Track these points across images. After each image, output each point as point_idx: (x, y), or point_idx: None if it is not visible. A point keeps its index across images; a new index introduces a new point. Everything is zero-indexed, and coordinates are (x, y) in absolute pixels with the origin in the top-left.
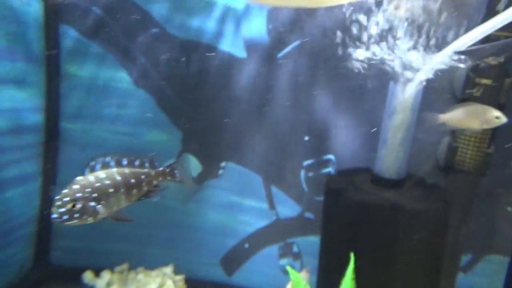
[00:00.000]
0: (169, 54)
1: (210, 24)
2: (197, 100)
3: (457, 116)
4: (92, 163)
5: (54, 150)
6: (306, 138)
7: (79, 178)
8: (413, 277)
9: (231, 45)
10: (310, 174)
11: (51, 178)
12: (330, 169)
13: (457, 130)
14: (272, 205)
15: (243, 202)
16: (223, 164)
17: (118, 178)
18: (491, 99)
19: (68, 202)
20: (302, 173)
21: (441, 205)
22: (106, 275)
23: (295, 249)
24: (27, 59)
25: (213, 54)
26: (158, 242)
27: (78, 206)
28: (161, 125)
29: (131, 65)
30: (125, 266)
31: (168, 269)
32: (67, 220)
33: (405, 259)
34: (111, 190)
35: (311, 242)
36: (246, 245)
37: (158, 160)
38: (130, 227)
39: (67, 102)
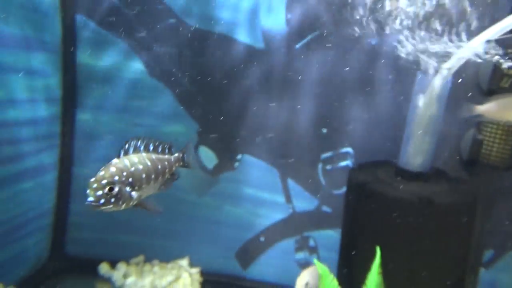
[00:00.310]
0: (186, 44)
1: (227, 14)
2: (214, 91)
3: (494, 108)
4: (126, 146)
5: (70, 142)
6: (324, 130)
7: (115, 160)
8: (439, 272)
9: (249, 35)
10: (328, 167)
11: (67, 170)
12: (348, 162)
13: (482, 123)
14: (288, 198)
15: (259, 195)
16: (239, 156)
17: (149, 164)
18: None
19: (106, 184)
20: (320, 166)
21: (469, 199)
22: (122, 267)
23: (311, 243)
24: (43, 49)
25: (231, 45)
26: (174, 235)
27: (116, 190)
28: (178, 117)
29: (148, 56)
30: (141, 258)
31: (184, 262)
32: (103, 204)
33: (431, 253)
34: (143, 175)
35: (328, 236)
36: (262, 238)
37: (175, 152)
38: (146, 219)
39: (83, 92)
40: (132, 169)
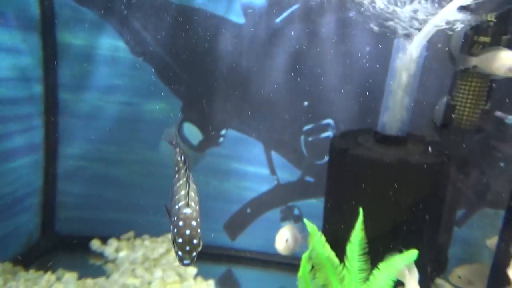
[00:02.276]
0: (167, 21)
1: None
2: (196, 67)
3: (486, 60)
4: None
5: (54, 121)
6: (306, 103)
7: (187, 210)
8: (417, 229)
9: (229, 10)
10: (310, 138)
11: (53, 150)
12: (329, 133)
13: (454, 89)
14: (273, 170)
15: (244, 169)
16: (223, 131)
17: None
18: None
19: (197, 245)
20: (302, 138)
21: (443, 160)
22: (113, 243)
23: (296, 212)
24: (22, 27)
25: (212, 20)
26: (163, 210)
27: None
28: (160, 94)
29: (128, 33)
30: (131, 234)
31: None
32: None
33: (408, 211)
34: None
35: (312, 204)
36: (249, 210)
37: (157, 130)
38: (135, 196)
39: (64, 72)
40: (197, 207)
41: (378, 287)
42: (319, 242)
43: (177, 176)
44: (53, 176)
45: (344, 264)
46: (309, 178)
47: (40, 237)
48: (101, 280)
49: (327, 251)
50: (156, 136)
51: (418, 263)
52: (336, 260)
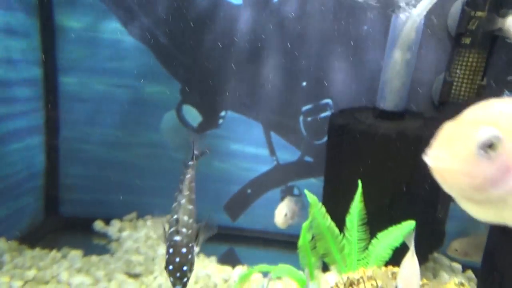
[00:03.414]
0: (164, 2)
1: None
2: (194, 50)
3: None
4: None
5: (54, 105)
6: (304, 83)
7: (178, 238)
8: (414, 202)
9: None
10: (309, 119)
11: (54, 133)
12: (328, 113)
13: (451, 65)
14: (272, 151)
15: (244, 150)
16: (222, 113)
17: (191, 207)
18: (485, 32)
19: (187, 271)
20: (301, 118)
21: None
22: (116, 223)
23: (295, 191)
24: (20, 9)
25: (209, 1)
26: (164, 192)
27: (192, 264)
28: (159, 77)
29: (126, 15)
30: (133, 215)
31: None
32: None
33: (407, 183)
34: (193, 223)
35: (311, 183)
36: (249, 191)
37: (157, 112)
38: (138, 178)
39: (63, 55)
40: (190, 231)
41: (377, 256)
42: (319, 213)
43: (178, 195)
44: (55, 159)
45: (344, 235)
46: (308, 158)
47: (44, 218)
48: (106, 257)
49: (328, 221)
50: (156, 118)
51: (416, 236)
52: (336, 230)
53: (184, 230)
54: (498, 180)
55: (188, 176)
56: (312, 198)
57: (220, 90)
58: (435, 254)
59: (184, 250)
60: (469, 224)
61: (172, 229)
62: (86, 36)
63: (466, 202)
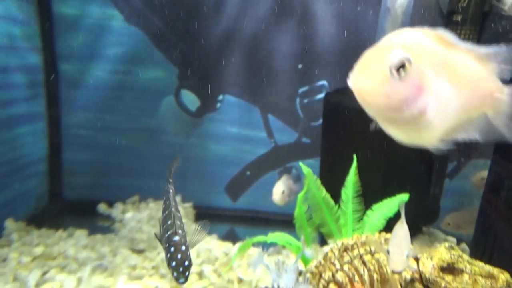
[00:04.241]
0: None
1: None
2: (191, 34)
3: None
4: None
5: (55, 91)
6: (300, 66)
7: (177, 238)
8: (408, 178)
9: None
10: (305, 100)
11: (56, 119)
12: (323, 95)
13: None
14: (270, 133)
15: (242, 133)
16: (220, 97)
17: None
18: (476, 9)
19: (190, 265)
20: (297, 100)
21: None
22: (119, 206)
23: (293, 172)
24: None
25: None
26: (165, 175)
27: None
28: (157, 63)
29: (123, 2)
30: (136, 198)
31: (177, 198)
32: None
33: (401, 160)
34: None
35: (308, 164)
36: (248, 173)
37: (156, 97)
38: (139, 162)
39: (62, 42)
40: (184, 233)
41: (371, 225)
42: (314, 184)
43: (164, 206)
44: (57, 144)
45: (339, 206)
46: (305, 140)
47: (48, 202)
48: (110, 235)
49: (323, 193)
50: (154, 103)
51: (410, 210)
52: (332, 202)
53: (180, 231)
54: (411, 100)
55: (171, 190)
56: (306, 170)
57: (217, 74)
58: (431, 229)
59: (183, 248)
60: (463, 199)
61: (169, 232)
62: (84, 23)
63: (387, 124)
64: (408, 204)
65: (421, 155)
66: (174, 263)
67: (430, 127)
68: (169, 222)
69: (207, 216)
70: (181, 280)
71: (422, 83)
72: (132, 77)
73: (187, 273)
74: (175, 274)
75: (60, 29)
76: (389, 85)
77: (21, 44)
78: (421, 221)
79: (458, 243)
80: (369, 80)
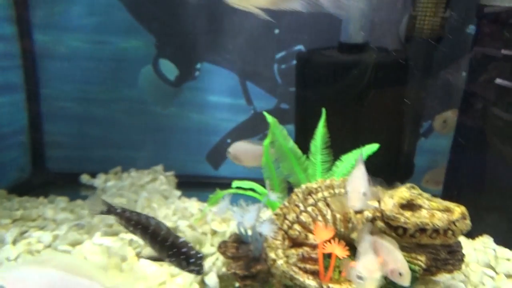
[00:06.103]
0: None
1: None
2: (167, 2)
3: None
4: None
5: (31, 62)
6: (276, 31)
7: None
8: (378, 132)
9: None
10: (283, 66)
11: (35, 91)
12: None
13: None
14: (249, 101)
15: (221, 100)
16: (198, 65)
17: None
18: None
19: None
20: (275, 66)
21: (403, 60)
22: (102, 176)
23: None
24: None
25: None
26: (146, 145)
27: None
28: (135, 32)
29: None
30: (118, 169)
31: (159, 167)
32: None
33: (371, 113)
34: None
35: (288, 130)
36: (229, 140)
37: (134, 68)
38: (120, 134)
39: (36, 13)
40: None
41: (340, 175)
42: (281, 134)
43: (140, 227)
44: (37, 116)
45: (307, 157)
46: (284, 105)
47: (31, 173)
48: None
49: (290, 143)
50: (133, 73)
51: (382, 165)
52: (299, 152)
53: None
54: None
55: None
56: (271, 119)
57: (195, 42)
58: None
59: (190, 244)
60: (438, 157)
61: (170, 239)
62: None
63: None
64: (379, 158)
65: (393, 111)
66: (192, 259)
67: None
68: (162, 232)
69: (189, 184)
70: (201, 271)
71: None
72: (110, 47)
73: (203, 264)
74: (196, 268)
75: None
76: None
77: None
78: (395, 177)
79: None
80: None
